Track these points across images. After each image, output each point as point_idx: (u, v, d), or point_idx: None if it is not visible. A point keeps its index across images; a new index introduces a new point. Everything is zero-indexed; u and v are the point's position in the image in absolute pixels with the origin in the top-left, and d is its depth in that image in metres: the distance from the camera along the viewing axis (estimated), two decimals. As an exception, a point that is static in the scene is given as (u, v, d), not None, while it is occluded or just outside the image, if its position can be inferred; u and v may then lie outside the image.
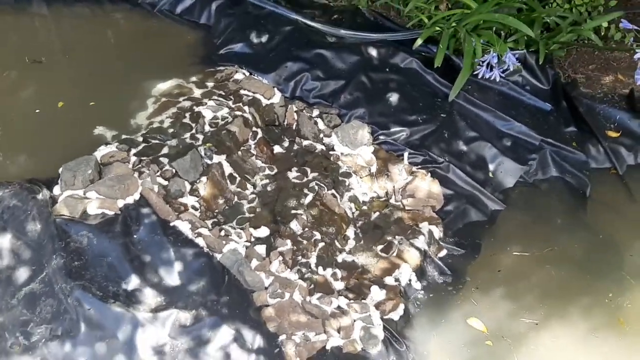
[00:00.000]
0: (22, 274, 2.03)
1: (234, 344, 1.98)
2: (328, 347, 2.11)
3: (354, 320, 2.21)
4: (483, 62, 2.81)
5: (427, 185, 2.70)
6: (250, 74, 3.04)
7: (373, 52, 3.11)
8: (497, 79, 2.84)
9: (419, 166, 2.78)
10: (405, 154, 2.81)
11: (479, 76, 2.83)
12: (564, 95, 3.12)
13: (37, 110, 2.72)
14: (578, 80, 3.18)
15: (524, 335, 2.34)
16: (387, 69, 3.07)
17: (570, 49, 3.29)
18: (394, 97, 2.97)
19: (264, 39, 3.18)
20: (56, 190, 2.32)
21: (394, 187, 2.72)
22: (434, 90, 3.04)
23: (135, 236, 2.18)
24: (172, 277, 2.10)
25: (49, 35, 3.17)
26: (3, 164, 2.48)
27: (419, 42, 3.04)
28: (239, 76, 3.01)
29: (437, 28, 3.05)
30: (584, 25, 3.05)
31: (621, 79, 3.20)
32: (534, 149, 2.91)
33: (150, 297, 2.04)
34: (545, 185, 2.90)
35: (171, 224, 2.26)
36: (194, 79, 3.00)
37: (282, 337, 2.07)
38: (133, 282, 2.05)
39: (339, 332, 2.16)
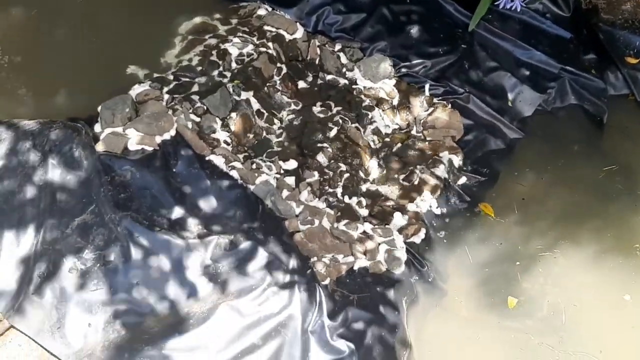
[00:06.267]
0: (74, 206, 2.19)
1: (270, 265, 2.15)
2: (355, 267, 2.29)
3: (379, 244, 2.37)
4: (504, -9, 2.81)
5: (447, 116, 2.78)
6: (273, 9, 3.07)
7: (394, -17, 3.11)
8: (519, 9, 2.85)
9: (440, 97, 2.85)
10: (426, 86, 2.88)
11: (500, 6, 2.84)
12: (584, 23, 3.12)
13: (70, 51, 2.80)
14: (599, 6, 3.16)
15: (538, 257, 2.48)
16: (408, 0, 3.08)
17: (593, -26, 3.25)
18: (415, 29, 3.00)
19: (285, -28, 3.18)
20: (97, 128, 2.45)
21: (415, 118, 2.82)
22: (455, 21, 3.06)
23: (174, 170, 2.32)
24: (211, 206, 2.26)
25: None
26: (45, 104, 2.59)
27: None
28: (261, 12, 3.05)
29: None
30: (607, -51, 3.01)
31: (643, 3, 3.17)
32: (553, 77, 2.95)
33: (192, 225, 2.21)
34: (563, 113, 2.95)
35: (206, 158, 2.39)
36: (218, 15, 3.03)
37: (314, 259, 2.25)
38: (176, 211, 2.22)
39: (365, 254, 2.33)
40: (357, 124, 2.72)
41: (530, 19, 3.08)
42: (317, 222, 2.35)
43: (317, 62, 2.95)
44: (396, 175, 2.64)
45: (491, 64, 2.94)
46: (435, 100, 2.85)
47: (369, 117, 2.77)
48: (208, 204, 2.27)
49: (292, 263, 2.19)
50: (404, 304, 2.28)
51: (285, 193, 2.42)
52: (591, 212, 2.64)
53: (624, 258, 2.50)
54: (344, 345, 2.09)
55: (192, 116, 2.53)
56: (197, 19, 3.00)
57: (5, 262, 2.11)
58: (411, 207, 2.53)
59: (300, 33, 3.00)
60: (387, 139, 2.76)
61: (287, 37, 2.96)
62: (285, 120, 2.73)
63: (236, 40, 2.87)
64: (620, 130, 2.92)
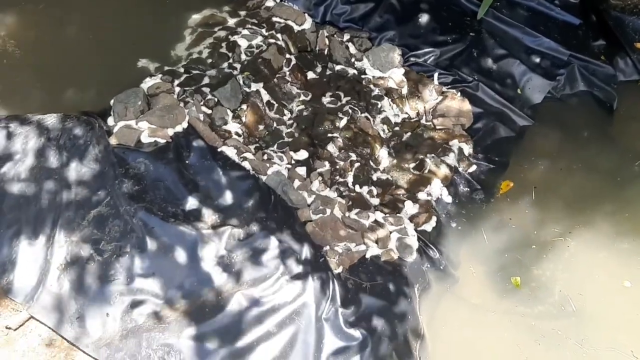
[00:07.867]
0: (90, 198, 2.22)
1: (284, 254, 2.17)
2: (367, 256, 2.31)
3: (390, 232, 2.39)
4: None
5: (457, 105, 2.79)
6: (281, 0, 3.09)
7: (401, -28, 3.11)
8: (526, -5, 2.86)
9: (449, 86, 2.87)
10: (435, 75, 2.89)
11: (508, -8, 2.84)
12: (593, 9, 3.11)
13: (81, 45, 2.83)
14: (608, -8, 3.15)
15: (550, 242, 2.49)
16: (416, -11, 3.09)
17: (602, -41, 3.23)
18: (423, 18, 3.01)
19: (292, -37, 3.19)
20: (110, 121, 2.48)
21: (424, 107, 2.82)
22: (463, 9, 3.07)
23: (187, 162, 2.35)
24: (224, 197, 2.29)
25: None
26: (58, 98, 2.62)
27: None
28: (269, 3, 3.07)
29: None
30: None
31: (653, -12, 3.15)
32: (562, 64, 2.95)
33: (206, 215, 2.23)
34: (573, 99, 2.96)
35: (218, 150, 2.42)
36: (226, 8, 3.06)
37: (326, 248, 2.28)
38: (189, 202, 2.24)
39: (376, 243, 2.35)
40: (366, 114, 2.73)
41: (538, 5, 3.08)
42: (328, 211, 2.37)
43: (326, 52, 2.96)
44: (406, 164, 2.65)
45: (500, 52, 2.94)
46: (444, 88, 2.85)
47: (379, 106, 2.78)
48: (221, 194, 2.29)
49: (305, 252, 2.21)
50: (416, 291, 2.30)
51: (296, 183, 2.44)
52: (604, 197, 2.65)
53: (637, 242, 2.50)
54: (357, 332, 2.12)
55: (204, 108, 2.55)
56: (206, 12, 3.02)
57: (24, 255, 2.15)
58: (422, 195, 2.54)
59: (308, 24, 3.01)
60: (397, 128, 2.77)
61: (296, 28, 2.98)
62: (295, 111, 2.74)
63: (245, 32, 2.88)
64: (630, 115, 2.92)
